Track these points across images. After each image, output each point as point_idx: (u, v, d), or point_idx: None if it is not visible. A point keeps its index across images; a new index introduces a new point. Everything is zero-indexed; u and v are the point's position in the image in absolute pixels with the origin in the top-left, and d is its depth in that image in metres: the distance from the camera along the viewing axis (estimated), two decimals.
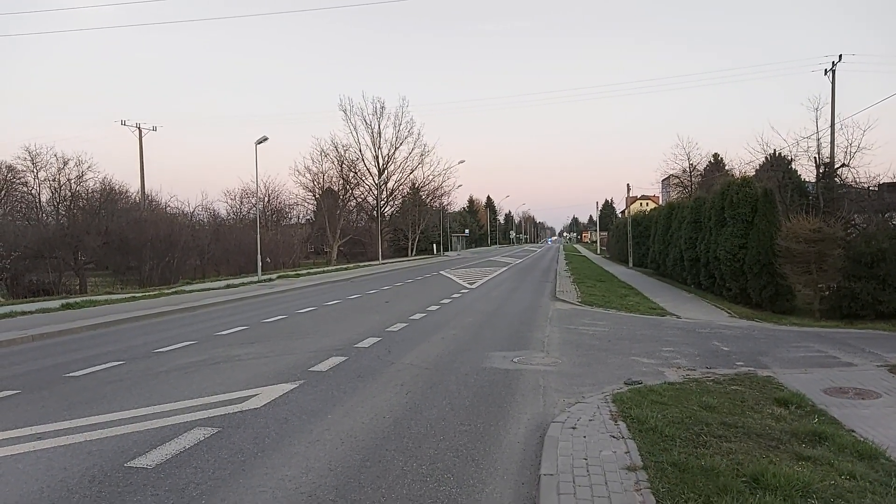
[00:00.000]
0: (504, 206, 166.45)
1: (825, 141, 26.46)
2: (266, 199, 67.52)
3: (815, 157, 23.52)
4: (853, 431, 6.19)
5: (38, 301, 20.98)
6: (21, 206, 50.71)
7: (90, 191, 47.65)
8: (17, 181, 51.57)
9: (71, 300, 19.49)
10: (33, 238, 36.46)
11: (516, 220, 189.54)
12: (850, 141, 22.39)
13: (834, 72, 28.86)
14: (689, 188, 47.09)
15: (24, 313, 16.48)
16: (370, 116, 64.70)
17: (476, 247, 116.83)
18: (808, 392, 7.76)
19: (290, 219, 71.39)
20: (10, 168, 50.58)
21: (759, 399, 7.38)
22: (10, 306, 18.35)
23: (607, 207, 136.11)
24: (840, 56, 28.91)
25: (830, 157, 24.25)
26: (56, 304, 18.57)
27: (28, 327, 13.84)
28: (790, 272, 17.47)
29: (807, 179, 24.75)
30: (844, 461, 5.15)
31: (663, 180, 68.87)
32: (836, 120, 27.56)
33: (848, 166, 22.87)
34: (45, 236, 37.21)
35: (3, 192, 50.91)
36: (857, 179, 22.13)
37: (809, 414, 6.77)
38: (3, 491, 4.78)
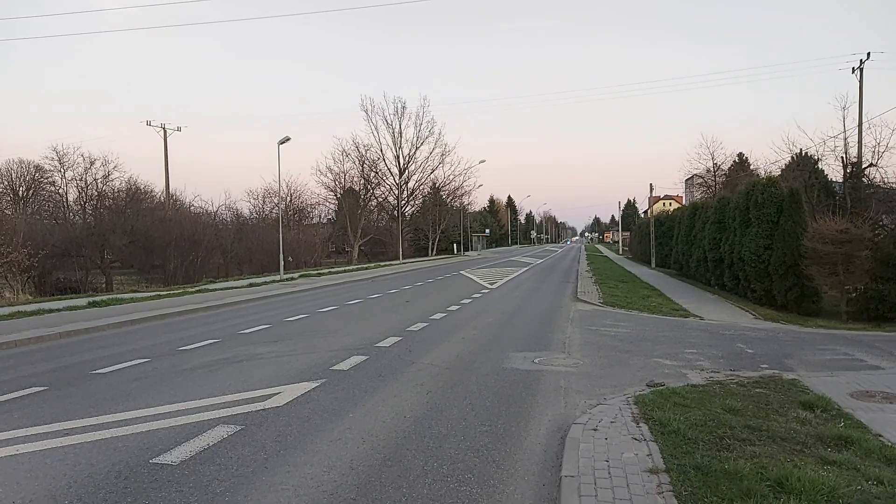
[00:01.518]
0: (525, 206, 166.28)
1: (852, 140, 26.10)
2: (288, 198, 68.23)
3: (842, 157, 23.22)
4: (880, 436, 6.08)
5: (66, 299, 21.36)
6: (49, 206, 51.85)
7: (116, 190, 48.59)
8: (45, 181, 52.77)
9: (97, 298, 19.80)
10: (60, 237, 37.20)
11: (537, 219, 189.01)
12: (878, 140, 22.18)
13: (862, 70, 28.37)
14: (714, 188, 46.57)
15: (51, 311, 16.78)
16: (391, 116, 65.15)
17: (496, 247, 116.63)
18: (833, 395, 7.64)
19: (312, 218, 72.19)
20: (38, 168, 51.78)
21: (784, 402, 7.27)
22: (37, 304, 18.71)
23: (630, 207, 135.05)
24: (868, 54, 28.41)
25: (858, 157, 23.89)
26: (83, 302, 18.90)
27: (55, 325, 14.10)
28: (816, 274, 17.21)
29: (834, 179, 24.40)
30: (871, 466, 5.06)
31: (687, 180, 68.19)
32: (864, 119, 27.15)
33: (876, 166, 22.56)
34: (72, 235, 37.96)
35: (31, 191, 52.04)
36: (886, 179, 21.84)
37: (835, 418, 6.67)
38: (32, 485, 4.88)
